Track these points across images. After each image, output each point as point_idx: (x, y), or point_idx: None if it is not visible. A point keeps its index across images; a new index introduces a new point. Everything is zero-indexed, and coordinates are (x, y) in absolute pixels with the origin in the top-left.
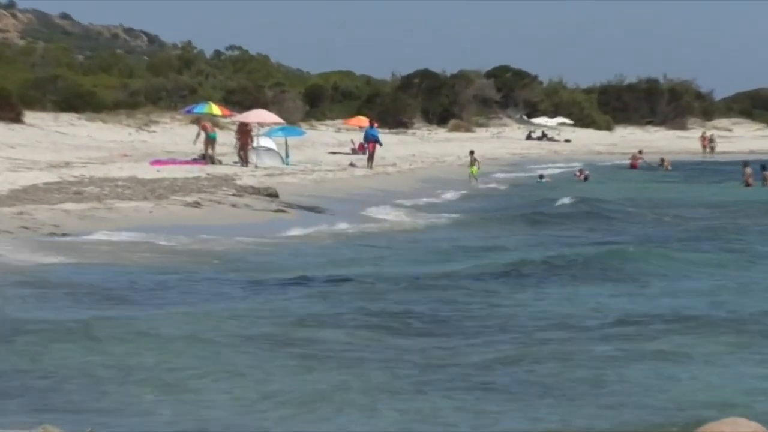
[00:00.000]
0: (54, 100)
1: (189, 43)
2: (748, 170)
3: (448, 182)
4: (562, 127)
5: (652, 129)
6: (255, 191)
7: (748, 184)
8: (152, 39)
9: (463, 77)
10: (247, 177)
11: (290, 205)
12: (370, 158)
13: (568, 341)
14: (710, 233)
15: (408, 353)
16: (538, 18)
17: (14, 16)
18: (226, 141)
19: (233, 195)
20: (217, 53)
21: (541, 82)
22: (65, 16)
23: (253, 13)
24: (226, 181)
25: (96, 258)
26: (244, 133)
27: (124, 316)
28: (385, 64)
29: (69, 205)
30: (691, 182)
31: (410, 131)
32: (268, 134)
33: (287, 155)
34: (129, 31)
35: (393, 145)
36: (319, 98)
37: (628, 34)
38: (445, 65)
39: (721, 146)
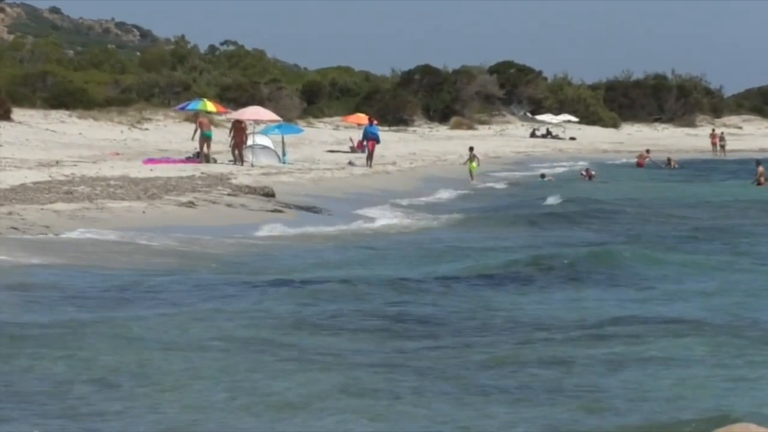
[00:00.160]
0: (43, 96)
1: (182, 37)
2: (761, 169)
3: (449, 181)
4: (567, 124)
5: (659, 126)
6: (251, 191)
7: (759, 183)
8: (145, 34)
9: (465, 73)
10: (242, 176)
11: (287, 205)
12: (370, 157)
13: (554, 343)
14: (704, 233)
15: (390, 355)
16: (542, 12)
17: (2, 10)
18: (221, 139)
19: (228, 195)
20: (212, 48)
21: (545, 78)
22: (55, 10)
23: (248, 7)
24: (221, 180)
25: (79, 260)
26: (239, 131)
27: (105, 318)
28: (384, 60)
29: (59, 205)
30: (698, 181)
31: (411, 129)
32: (265, 132)
33: (284, 153)
34: (121, 25)
35: (393, 143)
36: (317, 95)
37: (636, 28)
38: (446, 60)
39: (730, 144)
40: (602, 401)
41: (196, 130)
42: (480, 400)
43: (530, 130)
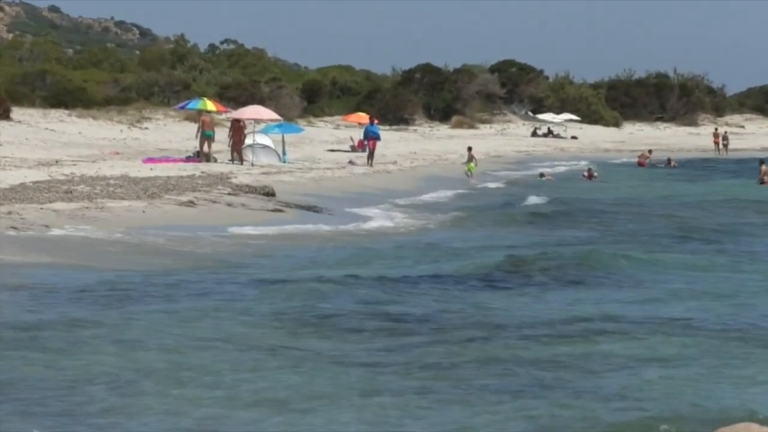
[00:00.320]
0: (43, 95)
1: (182, 36)
2: (764, 168)
3: (449, 180)
4: (568, 123)
5: (661, 125)
6: (251, 190)
7: (762, 182)
8: (144, 32)
9: (466, 72)
10: (243, 175)
11: (287, 205)
12: (370, 156)
13: (536, 343)
14: (693, 233)
15: (361, 354)
16: (543, 11)
17: (1, 8)
18: (222, 138)
19: (229, 194)
20: (212, 47)
21: (546, 77)
22: (54, 9)
23: (248, 6)
24: (222, 179)
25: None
26: (237, 130)
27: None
28: (385, 59)
29: (59, 205)
30: (699, 181)
31: (411, 128)
32: (265, 131)
33: (284, 153)
34: (120, 24)
35: (394, 142)
36: (318, 94)
37: (638, 27)
38: (447, 59)
39: (732, 143)
40: (600, 401)
41: (199, 129)
42: (469, 398)
43: (531, 129)
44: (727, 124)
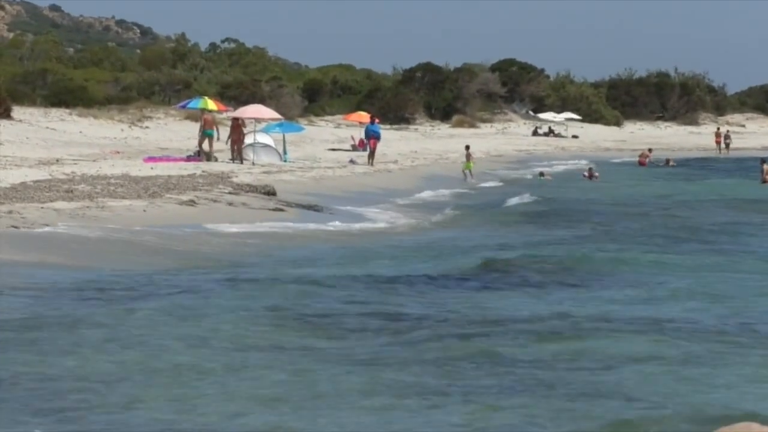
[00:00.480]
0: (43, 94)
1: (183, 35)
2: (766, 167)
3: (449, 180)
4: (569, 122)
5: (662, 124)
6: (252, 189)
7: (765, 181)
8: (145, 31)
9: (466, 71)
10: (243, 175)
11: (288, 204)
12: (371, 155)
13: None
14: (680, 232)
15: (355, 353)
16: (544, 10)
17: (2, 7)
18: (223, 137)
19: (230, 193)
20: (213, 46)
21: (547, 76)
22: (55, 8)
23: (249, 5)
24: (222, 179)
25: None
26: (236, 128)
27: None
28: (386, 58)
29: (60, 204)
30: (699, 180)
31: (412, 127)
32: (266, 130)
33: (285, 152)
34: (121, 23)
35: (394, 141)
36: (318, 93)
37: (638, 26)
38: (448, 58)
39: (733, 142)
40: (599, 400)
41: (201, 127)
42: (467, 396)
43: (532, 129)
44: (728, 123)
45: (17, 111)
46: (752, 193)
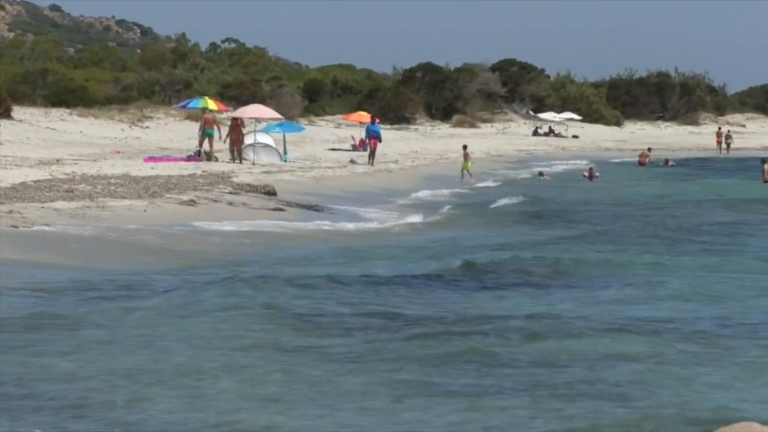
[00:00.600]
0: (44, 94)
1: (183, 35)
2: (767, 167)
3: (449, 180)
4: (569, 122)
5: (662, 124)
6: (252, 189)
7: (765, 181)
8: (145, 31)
9: (467, 71)
10: (244, 174)
11: (288, 204)
12: (372, 155)
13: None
14: (666, 233)
15: (346, 351)
16: (544, 10)
17: (2, 7)
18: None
19: (230, 193)
20: (213, 46)
21: (548, 76)
22: (55, 8)
23: (249, 5)
24: (223, 178)
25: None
26: (234, 128)
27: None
28: (386, 58)
29: (60, 204)
30: (698, 179)
31: (413, 127)
32: (266, 130)
33: (285, 152)
34: (121, 23)
35: (395, 141)
36: (319, 93)
37: (639, 26)
38: (448, 58)
39: (734, 142)
40: (599, 400)
41: (201, 128)
42: (455, 395)
43: (533, 129)
44: (728, 123)
45: (17, 111)
46: (752, 192)
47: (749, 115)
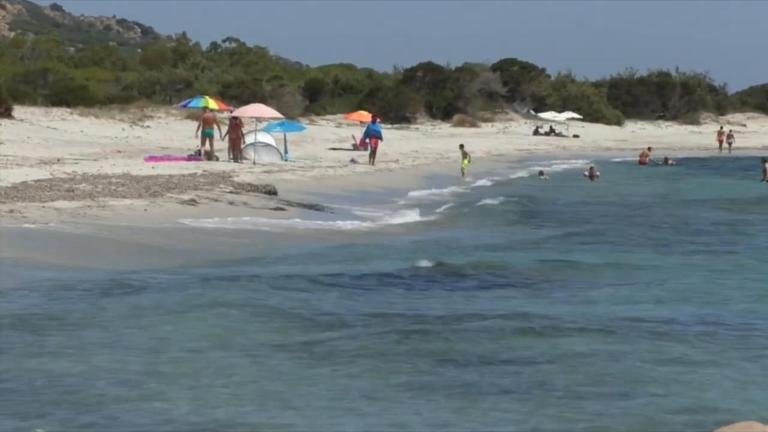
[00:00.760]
0: (44, 94)
1: (184, 35)
2: (767, 166)
3: (449, 179)
4: (570, 122)
5: (663, 124)
6: (253, 188)
7: (766, 180)
8: (146, 31)
9: (467, 70)
10: (245, 174)
11: (289, 203)
12: (372, 154)
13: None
14: (640, 232)
15: (329, 350)
16: (545, 9)
17: (3, 7)
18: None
19: (230, 192)
20: (214, 45)
21: (548, 76)
22: (56, 7)
23: (250, 5)
24: (224, 178)
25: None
26: (234, 127)
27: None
28: (387, 57)
29: (61, 203)
30: (697, 179)
31: (413, 126)
32: (267, 129)
33: (286, 151)
34: (122, 22)
35: (395, 140)
36: (319, 92)
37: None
38: (449, 58)
39: (735, 142)
40: (598, 401)
41: (199, 126)
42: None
43: (533, 128)
44: (729, 123)
45: (18, 110)
46: (752, 192)
47: (750, 114)
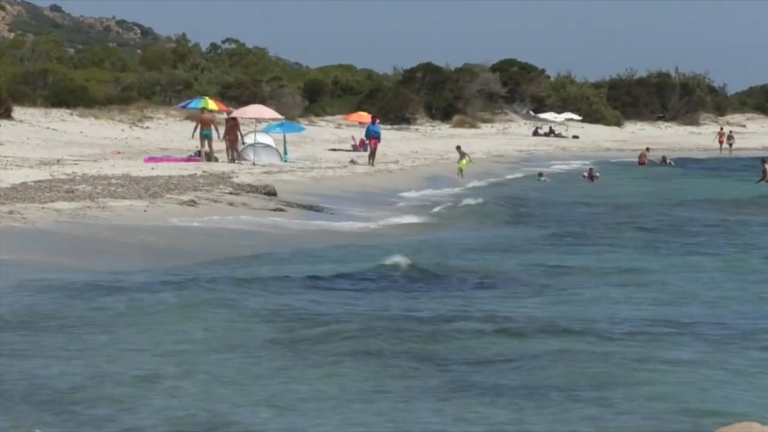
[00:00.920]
0: (44, 95)
1: (184, 35)
2: (767, 166)
3: (449, 180)
4: (570, 122)
5: (663, 125)
6: (252, 189)
7: (766, 181)
8: (145, 32)
9: (467, 71)
10: (244, 175)
11: (289, 204)
12: (372, 155)
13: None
14: (621, 233)
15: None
16: (545, 10)
17: (2, 8)
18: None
19: (230, 193)
20: (213, 46)
21: (548, 76)
22: (56, 8)
23: (250, 6)
24: (223, 179)
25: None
26: (232, 128)
27: None
28: (386, 58)
29: (60, 204)
30: (697, 178)
31: (413, 127)
32: (267, 130)
33: (286, 152)
34: (121, 23)
35: (395, 141)
36: (319, 93)
37: (639, 26)
38: (448, 59)
39: (735, 142)
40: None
41: (196, 127)
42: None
43: (533, 129)
44: (728, 123)
45: (18, 111)
46: (751, 192)
47: (749, 115)
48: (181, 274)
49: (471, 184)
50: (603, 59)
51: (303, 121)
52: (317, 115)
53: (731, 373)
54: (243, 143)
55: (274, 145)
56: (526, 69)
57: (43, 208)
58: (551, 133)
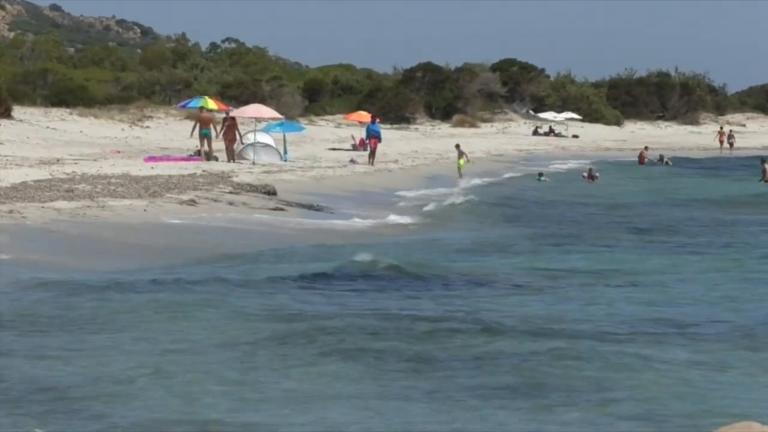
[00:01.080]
0: (44, 94)
1: (183, 35)
2: (766, 166)
3: (449, 179)
4: (570, 122)
5: (663, 124)
6: (252, 189)
7: (765, 180)
8: (145, 31)
9: (467, 71)
10: (244, 174)
11: (289, 203)
12: (372, 155)
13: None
14: (603, 232)
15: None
16: (544, 9)
17: (2, 7)
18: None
19: (230, 193)
20: (213, 46)
21: (548, 76)
22: (55, 8)
23: (249, 5)
24: (223, 178)
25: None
26: (230, 127)
27: None
28: (386, 57)
29: (60, 203)
30: (697, 178)
31: (413, 127)
32: (266, 130)
33: (286, 151)
34: (121, 23)
35: (395, 140)
36: (319, 93)
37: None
38: (448, 58)
39: (735, 142)
40: (598, 401)
41: (195, 126)
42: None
43: (533, 128)
44: (728, 123)
45: (18, 111)
46: (750, 191)
47: (749, 114)
48: (181, 273)
49: (470, 184)
50: (603, 59)
51: (303, 121)
52: (317, 114)
53: (731, 373)
54: (242, 143)
55: (273, 145)
56: (526, 69)
57: (42, 207)
58: (551, 132)
